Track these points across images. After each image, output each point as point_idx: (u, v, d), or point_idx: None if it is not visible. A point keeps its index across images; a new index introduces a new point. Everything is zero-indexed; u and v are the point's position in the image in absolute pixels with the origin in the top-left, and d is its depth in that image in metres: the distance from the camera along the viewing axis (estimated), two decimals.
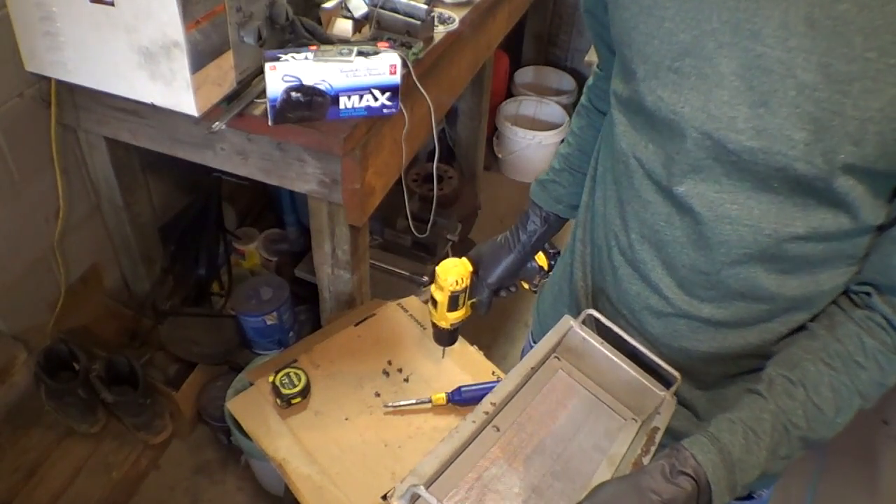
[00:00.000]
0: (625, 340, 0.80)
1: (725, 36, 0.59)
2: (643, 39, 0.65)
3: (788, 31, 0.56)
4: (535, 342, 1.08)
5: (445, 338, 1.01)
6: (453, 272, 0.90)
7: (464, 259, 0.93)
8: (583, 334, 0.82)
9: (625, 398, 0.81)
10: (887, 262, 0.66)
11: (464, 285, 0.92)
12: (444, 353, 1.33)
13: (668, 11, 0.62)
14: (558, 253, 1.00)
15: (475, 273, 0.96)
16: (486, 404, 0.71)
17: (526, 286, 1.03)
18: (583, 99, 0.97)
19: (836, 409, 0.66)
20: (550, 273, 1.01)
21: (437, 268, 0.92)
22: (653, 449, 0.71)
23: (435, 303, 0.94)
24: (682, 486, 0.61)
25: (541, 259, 1.00)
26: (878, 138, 0.56)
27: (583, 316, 0.82)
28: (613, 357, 0.81)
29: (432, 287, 0.94)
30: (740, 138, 0.61)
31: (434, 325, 0.99)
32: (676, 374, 0.77)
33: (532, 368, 0.78)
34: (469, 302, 0.96)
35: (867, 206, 0.62)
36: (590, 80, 0.96)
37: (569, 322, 0.82)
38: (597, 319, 0.82)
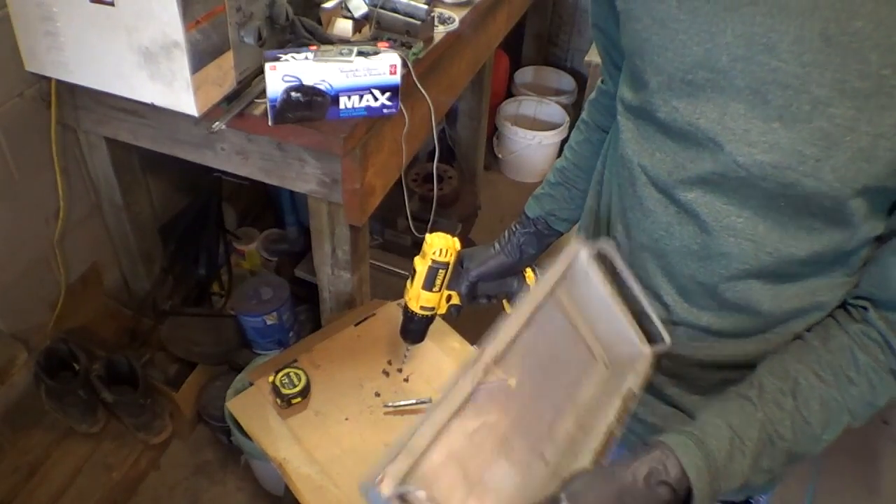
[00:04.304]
0: (629, 288, 0.77)
1: (739, 49, 0.58)
2: (656, 51, 0.65)
3: (803, 46, 0.55)
4: None
5: (412, 329, 1.00)
6: (440, 242, 0.91)
7: (455, 238, 0.94)
8: (587, 269, 0.77)
9: (605, 339, 0.79)
10: (885, 275, 0.65)
11: (446, 260, 0.92)
12: (405, 356, 1.31)
13: (681, 24, 0.62)
14: None
15: (460, 263, 0.96)
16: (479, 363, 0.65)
17: (507, 306, 1.01)
18: (583, 114, 0.97)
19: (824, 423, 0.66)
20: None
21: (427, 235, 0.92)
22: (626, 417, 0.69)
23: (413, 274, 0.95)
24: (661, 495, 0.61)
25: (529, 277, 0.99)
26: (890, 155, 0.56)
27: (595, 248, 0.77)
28: (608, 299, 0.77)
29: (416, 258, 0.95)
30: (752, 151, 0.61)
31: (404, 312, 0.99)
32: (668, 339, 0.75)
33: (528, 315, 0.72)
34: (446, 293, 0.96)
35: (868, 221, 0.62)
36: (592, 95, 0.95)
37: (578, 250, 0.77)
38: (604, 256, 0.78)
